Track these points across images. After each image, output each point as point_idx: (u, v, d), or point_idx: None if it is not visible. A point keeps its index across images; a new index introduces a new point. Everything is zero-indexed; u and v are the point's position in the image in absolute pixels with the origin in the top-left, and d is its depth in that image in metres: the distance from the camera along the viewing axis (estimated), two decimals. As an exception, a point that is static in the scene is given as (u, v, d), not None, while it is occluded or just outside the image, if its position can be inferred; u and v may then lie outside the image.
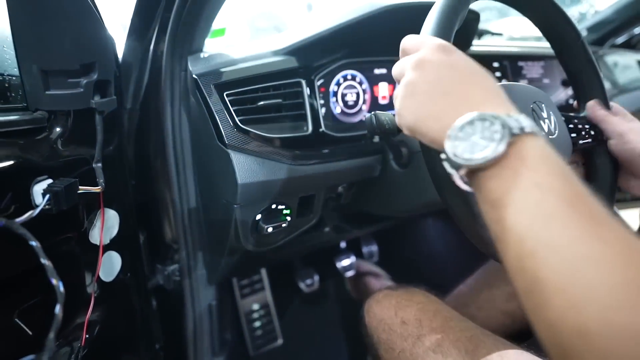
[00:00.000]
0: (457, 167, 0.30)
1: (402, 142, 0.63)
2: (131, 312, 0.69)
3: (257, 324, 1.09)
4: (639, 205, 1.38)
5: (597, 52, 1.36)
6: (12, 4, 0.42)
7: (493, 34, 1.14)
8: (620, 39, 1.52)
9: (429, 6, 0.45)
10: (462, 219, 0.42)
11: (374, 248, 1.29)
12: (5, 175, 0.40)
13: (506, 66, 0.94)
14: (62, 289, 0.37)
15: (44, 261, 0.37)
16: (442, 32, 0.41)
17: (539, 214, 0.26)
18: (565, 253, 0.24)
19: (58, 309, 0.36)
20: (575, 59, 0.58)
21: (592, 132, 0.57)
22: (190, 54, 0.63)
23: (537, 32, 0.60)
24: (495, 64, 0.92)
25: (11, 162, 0.41)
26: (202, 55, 0.64)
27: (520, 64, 0.95)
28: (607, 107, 0.57)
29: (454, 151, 0.30)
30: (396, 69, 0.39)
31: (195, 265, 0.76)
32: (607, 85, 0.88)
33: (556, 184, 0.27)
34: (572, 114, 0.58)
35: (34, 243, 0.37)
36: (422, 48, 0.36)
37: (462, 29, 0.83)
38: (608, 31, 1.45)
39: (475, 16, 0.77)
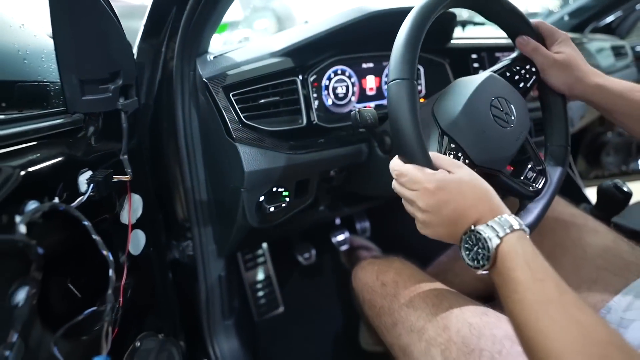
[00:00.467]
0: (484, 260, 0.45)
1: (384, 131, 0.72)
2: (154, 281, 0.79)
3: (261, 293, 1.19)
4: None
5: (578, 39, 1.42)
6: (56, 24, 0.50)
7: (475, 24, 1.21)
8: (602, 23, 1.59)
9: (407, 11, 0.54)
10: None
11: (367, 224, 1.38)
12: (56, 169, 0.49)
13: (484, 57, 1.02)
14: (111, 257, 0.47)
15: (95, 237, 0.47)
16: (408, 73, 0.50)
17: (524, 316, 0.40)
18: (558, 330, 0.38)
19: (111, 272, 0.46)
20: (495, 8, 0.64)
21: (532, 69, 0.65)
22: (198, 56, 0.71)
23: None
24: (474, 56, 0.99)
25: (60, 159, 0.50)
26: (208, 57, 0.72)
27: (497, 54, 1.03)
28: (536, 38, 0.64)
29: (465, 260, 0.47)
30: (397, 190, 0.53)
31: (206, 240, 0.86)
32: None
33: (532, 283, 0.41)
34: (509, 57, 0.66)
35: (86, 223, 0.47)
36: (419, 189, 0.49)
37: (440, 29, 0.91)
38: (588, 16, 1.51)
39: (451, 16, 0.85)
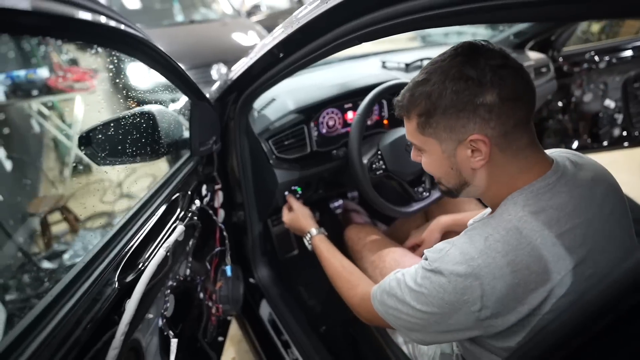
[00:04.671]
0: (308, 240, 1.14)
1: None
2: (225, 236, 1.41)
3: (282, 241, 1.78)
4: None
5: (516, 56, 1.89)
6: (191, 116, 1.07)
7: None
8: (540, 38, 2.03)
9: (376, 85, 1.12)
10: (367, 193, 1.12)
11: (356, 194, 1.92)
12: (194, 186, 1.08)
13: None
14: (219, 224, 1.07)
15: (221, 225, 1.07)
16: (363, 114, 1.09)
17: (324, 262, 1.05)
18: (334, 279, 1.02)
19: (225, 233, 1.07)
20: None
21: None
22: (249, 112, 1.27)
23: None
24: None
25: (196, 181, 1.09)
26: (255, 113, 1.28)
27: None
28: None
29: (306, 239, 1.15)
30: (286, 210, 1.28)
31: (250, 212, 1.46)
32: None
33: (326, 253, 1.07)
34: None
35: (215, 218, 1.07)
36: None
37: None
38: (528, 37, 1.96)
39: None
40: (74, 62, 3.75)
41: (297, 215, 1.25)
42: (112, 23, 0.58)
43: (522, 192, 0.66)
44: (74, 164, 2.82)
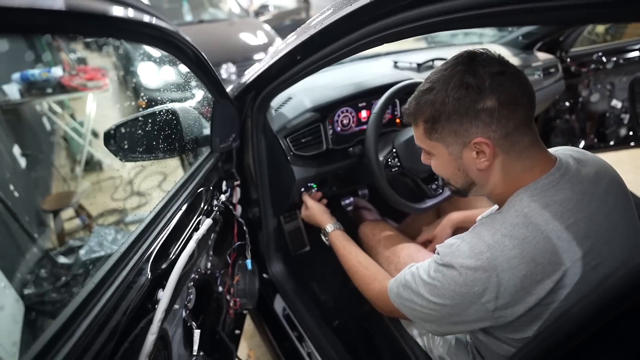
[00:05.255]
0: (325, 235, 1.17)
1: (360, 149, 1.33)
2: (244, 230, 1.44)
3: (294, 238, 1.82)
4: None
5: (525, 56, 1.91)
6: (215, 113, 1.10)
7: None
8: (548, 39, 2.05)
9: (391, 85, 1.14)
10: (384, 189, 1.15)
11: (366, 192, 1.93)
12: (216, 182, 1.11)
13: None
14: (245, 228, 1.10)
15: (240, 220, 1.10)
16: (379, 113, 1.12)
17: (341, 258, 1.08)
18: (351, 273, 1.05)
19: (244, 227, 1.10)
20: None
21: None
22: (267, 110, 1.30)
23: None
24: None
25: (217, 177, 1.12)
26: (273, 111, 1.31)
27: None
28: None
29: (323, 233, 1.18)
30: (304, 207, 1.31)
31: (265, 208, 1.49)
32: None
33: (342, 249, 1.10)
34: None
35: (234, 213, 1.10)
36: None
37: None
38: (536, 38, 1.99)
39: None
40: (82, 61, 3.79)
41: (314, 211, 1.29)
42: (155, 21, 0.62)
43: (527, 189, 0.69)
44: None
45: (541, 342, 0.61)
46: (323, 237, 1.22)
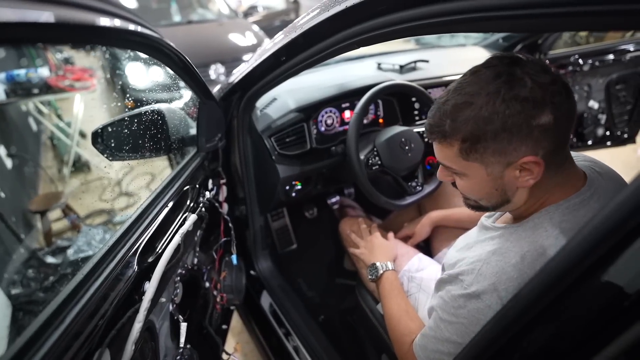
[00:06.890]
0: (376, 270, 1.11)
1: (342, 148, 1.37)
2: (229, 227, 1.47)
3: (281, 236, 1.83)
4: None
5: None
6: (200, 114, 1.13)
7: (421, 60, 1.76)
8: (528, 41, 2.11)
9: (373, 86, 1.18)
10: (365, 186, 1.19)
11: (352, 190, 2.00)
12: (202, 180, 1.14)
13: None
14: (231, 224, 1.13)
15: (227, 217, 1.13)
16: (360, 113, 1.16)
17: (388, 300, 1.02)
18: (393, 319, 0.97)
19: (230, 224, 1.13)
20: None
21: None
22: (252, 111, 1.33)
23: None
24: (413, 99, 1.58)
25: (203, 176, 1.15)
26: (258, 112, 1.34)
27: (429, 90, 1.62)
28: None
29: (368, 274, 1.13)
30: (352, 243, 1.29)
31: (252, 206, 1.52)
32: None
33: (395, 291, 1.04)
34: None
35: (220, 210, 1.13)
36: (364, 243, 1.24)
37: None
38: (516, 40, 2.04)
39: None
40: (67, 61, 3.77)
41: (375, 244, 1.21)
42: (140, 29, 0.65)
43: (558, 207, 0.66)
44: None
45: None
46: (369, 270, 1.13)
